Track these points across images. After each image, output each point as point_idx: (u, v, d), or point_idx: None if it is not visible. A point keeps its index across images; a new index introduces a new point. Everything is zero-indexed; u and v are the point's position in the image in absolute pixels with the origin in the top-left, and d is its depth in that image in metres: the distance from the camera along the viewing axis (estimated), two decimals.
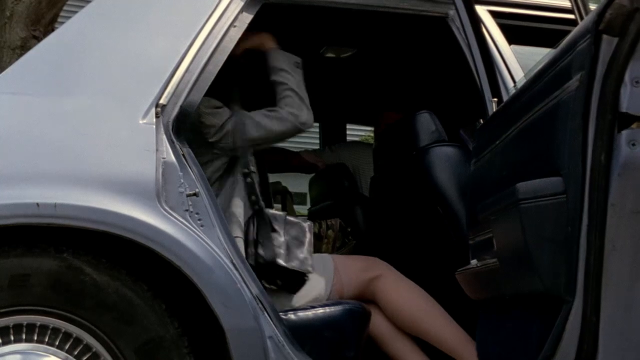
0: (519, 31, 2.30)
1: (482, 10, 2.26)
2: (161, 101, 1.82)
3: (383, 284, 2.18)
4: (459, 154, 2.30)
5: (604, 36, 1.24)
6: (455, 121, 3.10)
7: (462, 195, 2.09)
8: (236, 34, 2.03)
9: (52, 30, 6.41)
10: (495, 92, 2.05)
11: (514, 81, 2.09)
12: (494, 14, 2.28)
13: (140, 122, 1.77)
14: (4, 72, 1.86)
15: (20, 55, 5.97)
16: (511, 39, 2.27)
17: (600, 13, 1.23)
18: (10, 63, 5.96)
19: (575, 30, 1.38)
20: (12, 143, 1.70)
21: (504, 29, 2.27)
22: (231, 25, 2.02)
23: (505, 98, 2.02)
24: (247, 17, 2.07)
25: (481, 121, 2.18)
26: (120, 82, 1.84)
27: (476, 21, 2.13)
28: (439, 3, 2.27)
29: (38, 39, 6.08)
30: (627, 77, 1.21)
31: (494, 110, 1.98)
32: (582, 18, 1.68)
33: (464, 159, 2.26)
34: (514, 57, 2.19)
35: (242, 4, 2.06)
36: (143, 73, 1.87)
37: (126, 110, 1.80)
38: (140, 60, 1.90)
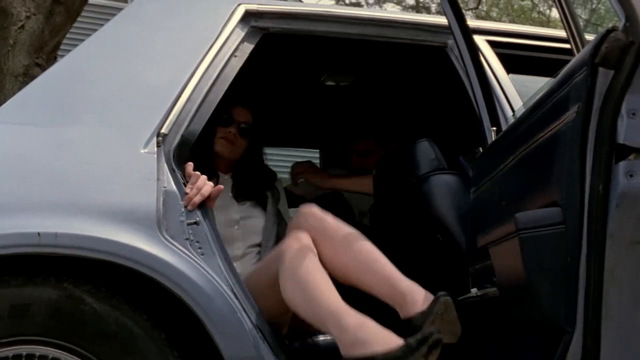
0: (517, 60, 2.33)
1: (480, 40, 2.28)
2: (162, 130, 1.83)
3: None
4: (458, 182, 2.31)
5: (600, 69, 1.25)
6: (454, 148, 3.12)
7: (462, 223, 2.10)
8: (237, 63, 2.06)
9: (55, 58, 6.49)
10: (494, 121, 2.07)
11: (513, 110, 2.11)
12: (492, 44, 2.31)
13: (142, 151, 1.79)
14: (6, 103, 1.88)
15: (23, 82, 6.04)
16: (510, 68, 2.29)
17: (596, 46, 1.25)
18: (12, 90, 6.02)
19: (571, 62, 1.40)
20: (13, 172, 1.71)
21: (502, 58, 2.30)
22: (232, 55, 2.04)
23: (504, 127, 2.04)
24: (248, 47, 2.10)
25: (480, 149, 2.20)
26: (122, 112, 1.86)
27: (474, 51, 2.15)
28: (438, 33, 2.30)
29: (40, 67, 6.14)
30: (623, 109, 1.22)
31: (493, 139, 2.00)
32: (578, 50, 1.70)
33: (464, 187, 2.26)
34: (513, 86, 2.21)
35: (243, 34, 2.09)
36: (145, 102, 1.88)
37: (127, 139, 1.81)
38: (142, 89, 1.92)
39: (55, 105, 1.86)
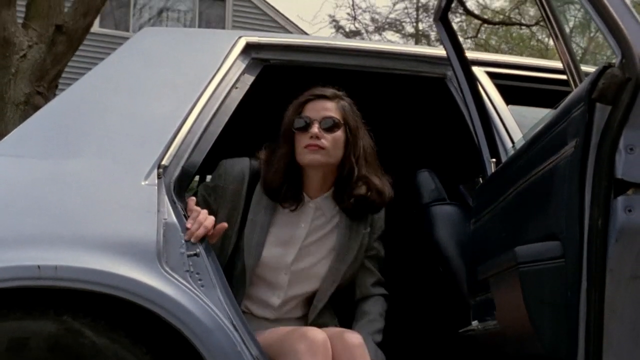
0: (516, 92, 2.34)
1: (479, 72, 2.30)
2: (163, 162, 1.84)
3: None
4: (458, 213, 2.31)
5: (598, 104, 1.26)
6: (454, 177, 3.13)
7: (462, 254, 2.10)
8: (238, 95, 2.07)
9: (56, 86, 6.55)
10: (494, 152, 2.08)
11: (512, 141, 2.12)
12: (491, 75, 2.33)
13: (143, 183, 1.79)
14: (7, 136, 1.89)
15: (24, 110, 6.10)
16: (509, 99, 2.30)
17: (593, 82, 1.26)
18: (13, 118, 6.07)
19: (569, 97, 1.41)
20: (14, 205, 1.71)
21: (501, 89, 2.31)
22: (233, 86, 2.06)
23: (503, 158, 2.05)
24: (249, 79, 2.12)
25: (480, 178, 2.21)
26: (123, 144, 1.87)
27: (473, 82, 2.17)
28: (437, 64, 2.32)
29: (42, 95, 6.21)
30: (621, 144, 1.23)
31: (493, 170, 2.01)
32: (574, 80, 1.71)
33: (464, 217, 2.27)
34: (512, 117, 2.23)
35: (243, 65, 2.11)
36: (146, 135, 1.89)
37: (128, 171, 1.82)
38: (143, 122, 1.93)
39: (56, 137, 1.87)
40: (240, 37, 2.15)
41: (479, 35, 15.30)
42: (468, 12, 10.62)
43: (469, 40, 17.27)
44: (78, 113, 1.92)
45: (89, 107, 1.94)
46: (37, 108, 6.10)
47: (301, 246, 2.02)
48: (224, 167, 2.09)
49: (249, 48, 2.14)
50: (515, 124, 2.20)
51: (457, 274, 2.17)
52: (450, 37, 2.08)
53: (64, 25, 6.20)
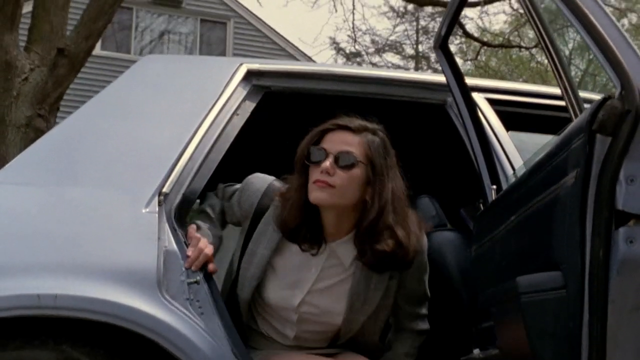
0: (516, 118, 2.35)
1: (479, 98, 2.31)
2: (164, 189, 1.84)
3: None
4: (459, 239, 2.31)
5: (598, 135, 1.27)
6: (455, 201, 3.12)
7: (463, 281, 2.09)
8: (239, 122, 2.08)
9: (58, 108, 6.57)
10: (494, 179, 2.08)
11: (513, 168, 2.12)
12: (491, 102, 2.34)
13: (143, 210, 1.79)
14: (9, 163, 1.89)
15: (25, 133, 6.12)
16: (509, 125, 2.31)
17: (593, 113, 1.27)
18: (14, 141, 6.09)
19: (570, 127, 1.41)
20: (14, 233, 1.71)
21: (501, 115, 2.32)
22: (234, 113, 2.07)
23: (504, 185, 2.05)
24: (250, 106, 2.13)
25: (481, 204, 2.21)
26: (124, 171, 1.87)
27: (473, 109, 2.18)
28: (437, 90, 2.33)
29: (43, 118, 6.23)
30: (621, 176, 1.23)
31: (493, 197, 2.01)
32: (574, 110, 1.72)
33: (465, 243, 2.27)
34: (512, 144, 2.23)
35: (244, 92, 2.12)
36: (147, 162, 1.90)
37: (129, 199, 1.82)
38: (144, 149, 1.93)
39: (57, 165, 1.87)
40: (241, 64, 2.16)
41: (478, 58, 15.37)
42: (468, 35, 10.69)
43: (469, 62, 17.36)
44: (79, 140, 1.93)
45: (90, 134, 1.95)
46: (38, 130, 6.14)
47: (309, 290, 1.85)
48: (245, 182, 1.97)
49: (250, 75, 2.15)
50: (516, 150, 2.21)
51: (458, 301, 2.17)
52: (450, 64, 2.09)
53: (66, 48, 6.23)
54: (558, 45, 1.69)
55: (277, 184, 1.92)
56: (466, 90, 2.13)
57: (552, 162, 1.44)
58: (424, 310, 2.00)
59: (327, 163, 1.76)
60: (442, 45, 2.06)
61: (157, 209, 1.81)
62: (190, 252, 1.76)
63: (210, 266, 1.79)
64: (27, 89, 6.15)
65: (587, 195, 1.28)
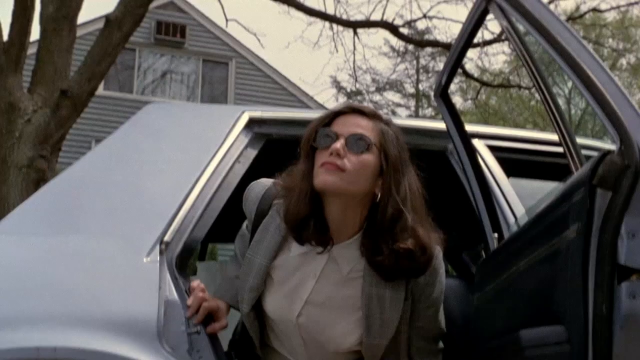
0: (517, 164, 2.36)
1: (480, 144, 2.32)
2: (165, 238, 1.84)
3: None
4: (460, 286, 2.30)
5: (599, 189, 1.27)
6: (457, 245, 3.12)
7: (465, 331, 2.07)
8: (241, 169, 2.08)
9: (60, 149, 6.60)
10: (496, 226, 2.08)
11: (515, 215, 2.12)
12: (492, 148, 2.35)
13: (144, 260, 1.79)
14: (11, 213, 1.90)
15: (27, 174, 6.13)
16: (509, 172, 2.32)
17: (594, 168, 1.27)
18: (16, 182, 6.10)
19: (570, 181, 1.42)
20: (13, 283, 1.70)
21: (502, 162, 2.33)
22: (236, 161, 2.08)
23: (506, 233, 2.05)
24: (252, 153, 2.14)
25: (483, 250, 2.20)
26: (126, 220, 1.87)
27: (473, 155, 2.19)
28: (437, 137, 2.34)
29: (45, 158, 6.26)
30: (623, 230, 1.23)
31: (495, 245, 2.01)
32: (570, 153, 1.72)
33: (466, 291, 2.25)
34: (513, 191, 2.24)
35: (246, 140, 2.13)
36: (148, 210, 1.90)
37: (130, 248, 1.81)
38: (145, 197, 1.94)
39: (58, 214, 1.88)
40: (243, 112, 2.18)
41: (479, 97, 15.49)
42: (468, 75, 10.78)
43: (469, 101, 17.49)
44: (81, 189, 1.93)
45: (92, 183, 1.95)
46: (39, 171, 6.16)
47: (307, 301, 1.67)
48: (246, 190, 1.82)
49: (252, 123, 2.17)
50: (517, 197, 2.21)
51: (459, 350, 2.15)
52: (450, 112, 2.11)
53: (69, 90, 6.29)
54: (554, 92, 1.70)
55: (277, 187, 1.76)
56: (466, 138, 2.14)
57: (554, 214, 1.44)
58: (439, 345, 1.79)
59: (338, 144, 1.58)
60: (442, 94, 2.08)
61: (158, 258, 1.80)
62: (190, 301, 1.74)
63: (216, 325, 1.72)
64: (30, 130, 6.18)
65: (589, 249, 1.27)
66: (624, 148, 1.24)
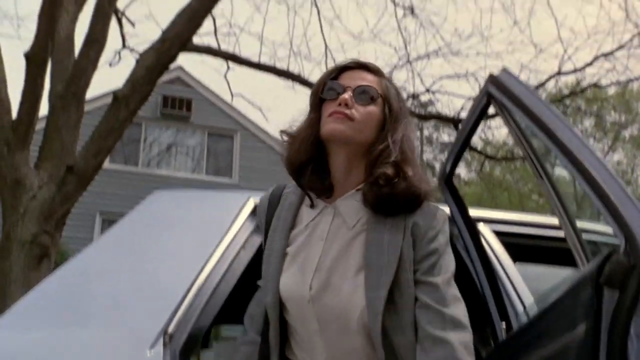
0: (524, 249, 2.35)
1: (485, 229, 2.32)
2: (170, 329, 1.82)
3: None
4: None
5: (606, 288, 1.26)
6: None
7: None
8: (246, 256, 2.08)
9: (64, 224, 6.60)
10: (503, 314, 2.06)
11: (523, 303, 2.10)
12: (497, 233, 2.35)
13: (148, 353, 1.77)
14: (15, 305, 1.89)
15: (30, 250, 6.12)
16: (516, 257, 2.31)
17: (600, 266, 1.27)
18: (19, 258, 6.08)
19: (577, 278, 1.41)
20: None
21: (508, 247, 2.32)
22: (241, 248, 2.07)
23: (513, 321, 2.02)
24: (257, 240, 2.13)
25: (490, 332, 2.17)
26: (130, 312, 1.86)
27: (479, 242, 2.19)
28: None
29: (48, 234, 6.25)
30: (632, 331, 1.22)
31: (503, 335, 1.98)
32: (581, 258, 1.71)
33: None
34: (520, 277, 2.22)
35: (252, 226, 2.13)
36: (152, 301, 1.89)
37: (134, 340, 1.79)
38: (150, 288, 1.93)
39: (62, 306, 1.86)
40: (249, 198, 2.19)
41: (483, 169, 15.58)
42: (471, 149, 10.87)
43: (473, 173, 17.57)
44: (86, 280, 1.93)
45: (97, 274, 1.95)
46: (43, 247, 6.14)
47: (316, 268, 1.61)
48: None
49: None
50: (524, 284, 2.19)
51: None
52: (455, 199, 2.12)
53: (75, 165, 6.34)
54: (556, 183, 1.70)
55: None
56: (472, 224, 2.15)
57: (563, 309, 1.43)
58: (447, 310, 1.51)
59: (347, 95, 1.64)
60: (446, 181, 2.09)
61: (162, 350, 1.78)
62: None
63: None
64: (35, 206, 6.19)
65: (599, 349, 1.26)
66: (629, 248, 1.23)
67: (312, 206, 1.70)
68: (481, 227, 2.31)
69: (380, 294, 1.51)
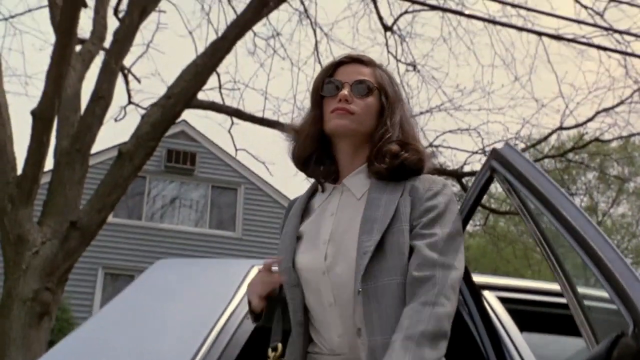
0: (530, 317, 2.32)
1: (490, 296, 2.30)
2: None
3: None
4: None
5: None
6: None
7: None
8: (250, 325, 2.06)
9: (66, 280, 6.55)
10: None
11: None
12: (503, 300, 2.32)
13: None
14: None
15: (31, 307, 6.06)
16: (522, 326, 2.28)
17: (609, 349, 1.25)
18: (19, 315, 6.01)
19: (587, 359, 1.39)
20: None
21: (514, 314, 2.29)
22: (245, 317, 2.05)
23: None
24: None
25: None
26: None
27: (484, 311, 2.16)
28: None
29: (50, 291, 6.20)
30: None
31: None
32: (572, 304, 1.69)
33: None
34: (527, 347, 2.18)
35: None
36: None
37: None
38: (151, 358, 1.91)
39: None
40: (252, 266, 2.19)
41: (487, 223, 15.55)
42: None
43: (478, 227, 17.53)
44: (89, 353, 1.90)
45: (98, 346, 1.93)
46: (44, 305, 6.08)
47: (331, 238, 1.67)
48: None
49: None
50: (532, 354, 2.16)
51: None
52: None
53: (79, 221, 6.33)
54: (562, 260, 1.69)
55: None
56: (477, 293, 2.13)
57: None
58: (434, 255, 1.55)
59: (346, 91, 1.75)
60: None
61: None
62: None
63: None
64: (37, 262, 6.16)
65: None
66: (637, 331, 1.22)
67: (322, 191, 1.81)
68: (486, 294, 2.28)
69: (371, 237, 1.58)
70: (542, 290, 2.41)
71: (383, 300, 1.54)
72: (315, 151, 1.79)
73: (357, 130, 1.75)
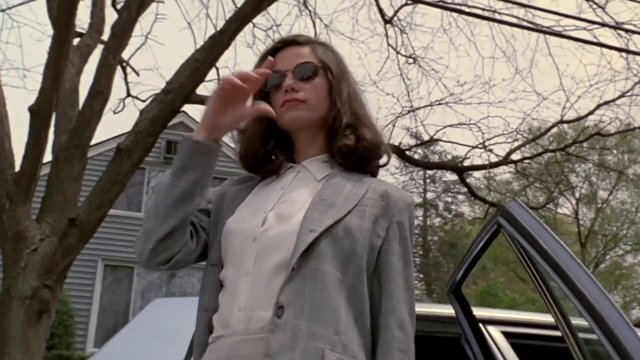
0: (533, 351, 2.29)
1: (494, 331, 2.27)
2: None
3: None
4: None
5: None
6: None
7: None
8: None
9: (65, 277, 6.53)
10: None
11: None
12: (507, 335, 2.29)
13: None
14: None
15: (30, 305, 6.03)
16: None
17: None
18: (18, 313, 5.99)
19: None
20: None
21: (517, 349, 2.27)
22: None
23: None
24: None
25: None
26: None
27: (486, 346, 2.13)
28: (451, 324, 2.29)
29: (49, 288, 6.17)
30: None
31: None
32: (567, 336, 1.65)
33: None
34: None
35: None
36: None
37: None
38: None
39: None
40: None
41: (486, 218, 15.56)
42: (476, 197, 10.86)
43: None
44: None
45: None
46: (43, 302, 6.05)
47: (274, 207, 1.53)
48: None
49: None
50: None
51: None
52: (463, 308, 2.07)
53: (77, 218, 6.28)
54: (564, 309, 1.65)
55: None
56: (481, 335, 2.09)
57: None
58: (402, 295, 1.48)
59: (290, 80, 1.61)
60: (455, 291, 2.04)
61: None
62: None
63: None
64: (36, 260, 6.12)
65: None
66: None
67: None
68: (491, 329, 2.25)
69: (323, 219, 1.45)
70: (545, 325, 2.38)
71: (321, 287, 1.40)
72: (261, 147, 1.65)
73: (313, 117, 1.62)
